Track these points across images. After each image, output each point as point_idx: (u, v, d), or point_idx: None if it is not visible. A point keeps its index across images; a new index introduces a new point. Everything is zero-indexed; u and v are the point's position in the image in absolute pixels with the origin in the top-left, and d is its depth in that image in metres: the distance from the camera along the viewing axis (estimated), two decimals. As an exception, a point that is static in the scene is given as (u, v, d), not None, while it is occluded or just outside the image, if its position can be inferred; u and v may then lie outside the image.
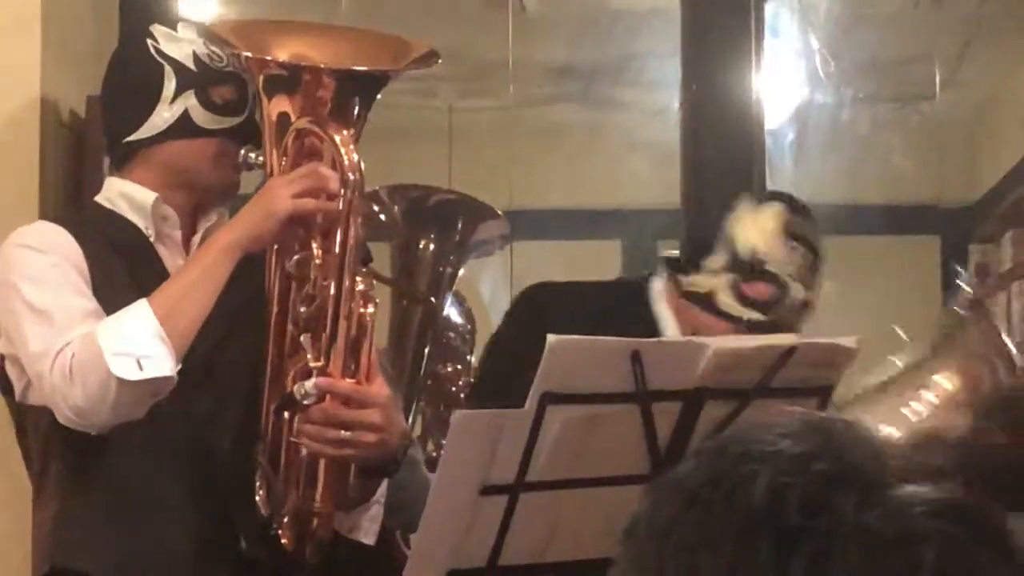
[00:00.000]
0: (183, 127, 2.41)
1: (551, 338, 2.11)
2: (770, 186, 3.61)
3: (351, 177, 2.26)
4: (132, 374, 2.21)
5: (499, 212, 3.60)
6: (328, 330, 2.26)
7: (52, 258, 2.34)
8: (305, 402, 2.24)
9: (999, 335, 2.75)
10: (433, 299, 3.63)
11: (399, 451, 2.35)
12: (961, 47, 4.99)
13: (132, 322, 2.25)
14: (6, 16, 2.97)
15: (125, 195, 2.44)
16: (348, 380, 2.26)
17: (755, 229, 2.74)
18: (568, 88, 5.11)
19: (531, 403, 2.13)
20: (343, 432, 2.25)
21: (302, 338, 2.27)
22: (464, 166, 4.94)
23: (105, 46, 3.19)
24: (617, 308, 2.78)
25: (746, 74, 3.54)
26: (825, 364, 2.31)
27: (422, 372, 3.62)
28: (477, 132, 5.16)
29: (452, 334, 3.77)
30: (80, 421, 2.24)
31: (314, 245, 2.29)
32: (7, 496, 2.81)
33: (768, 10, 3.69)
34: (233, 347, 2.37)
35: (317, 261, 2.28)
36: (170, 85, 2.41)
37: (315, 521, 2.33)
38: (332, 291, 2.26)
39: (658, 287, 2.80)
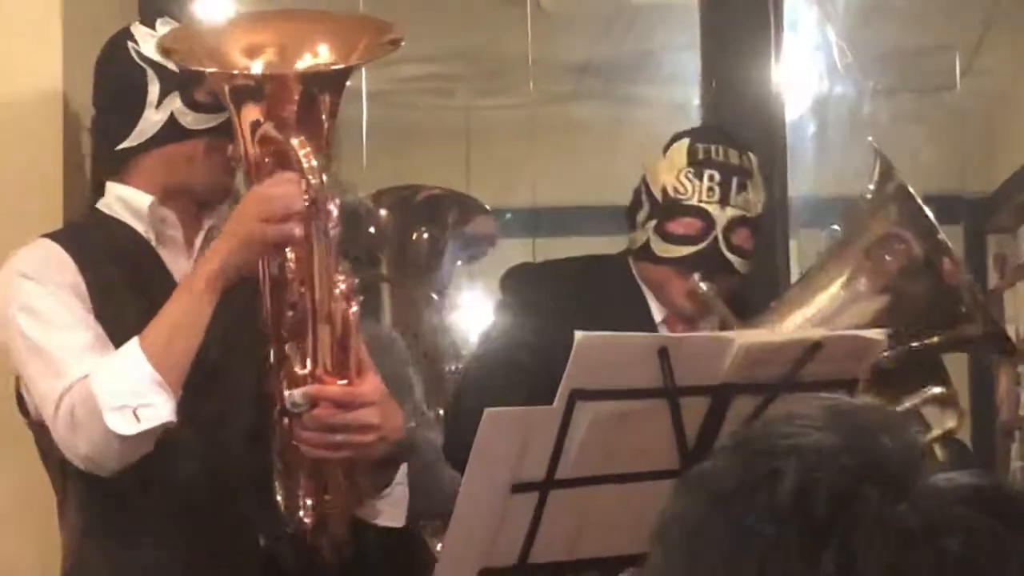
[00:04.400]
0: (171, 131, 2.40)
1: (579, 335, 2.11)
2: (791, 180, 3.62)
3: (311, 180, 2.20)
4: (130, 428, 2.21)
5: (487, 207, 3.64)
6: (311, 335, 2.23)
7: (47, 287, 2.33)
8: (296, 411, 2.23)
9: (912, 209, 2.70)
10: (435, 296, 3.65)
11: (405, 438, 2.34)
12: (979, 37, 4.98)
13: (126, 370, 2.24)
14: (28, 20, 2.97)
15: (122, 200, 2.44)
16: (339, 382, 2.23)
17: (665, 170, 2.78)
18: (588, 85, 5.10)
19: (560, 400, 2.13)
20: (339, 436, 2.23)
21: (286, 347, 2.25)
22: (484, 165, 4.94)
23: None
24: (609, 286, 2.80)
25: (766, 68, 3.54)
26: (852, 357, 2.31)
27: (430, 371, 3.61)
28: (497, 131, 5.16)
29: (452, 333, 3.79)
30: (91, 468, 2.26)
31: (288, 251, 2.26)
32: (33, 511, 2.82)
33: (787, 3, 3.69)
34: (235, 348, 2.36)
35: (292, 266, 2.25)
36: (154, 89, 2.40)
37: (328, 519, 2.33)
38: (310, 296, 2.23)
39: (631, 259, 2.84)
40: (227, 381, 2.37)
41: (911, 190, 2.69)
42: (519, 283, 2.87)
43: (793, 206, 3.76)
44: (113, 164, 2.47)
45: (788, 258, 3.53)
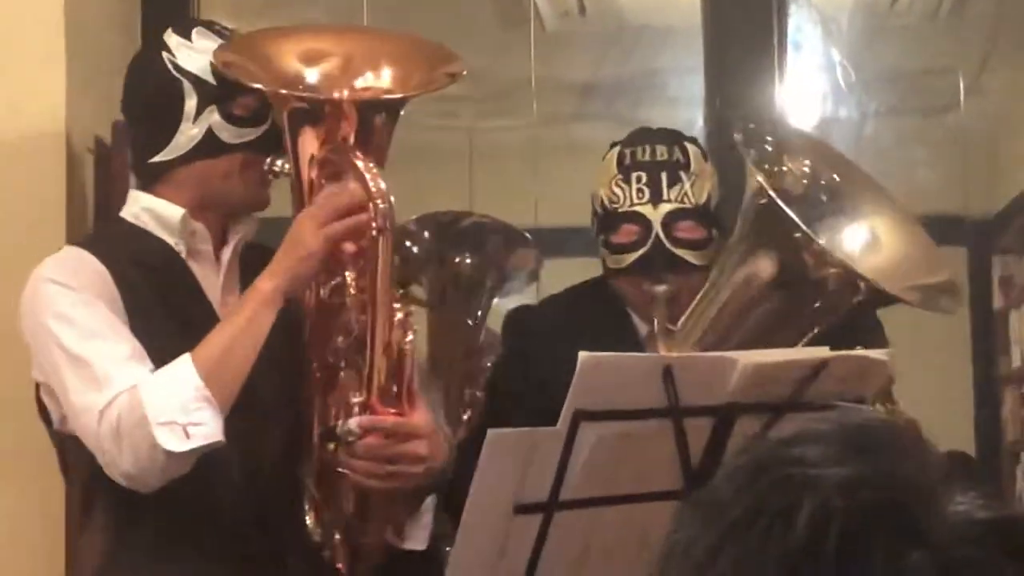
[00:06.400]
0: (208, 145, 2.37)
1: (582, 355, 2.10)
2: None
3: (380, 204, 2.21)
4: (179, 445, 2.17)
5: (529, 239, 3.59)
6: (368, 363, 2.23)
7: (83, 295, 2.28)
8: (349, 440, 2.23)
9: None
10: (471, 322, 3.62)
11: (446, 470, 2.36)
12: (982, 58, 4.97)
13: (176, 385, 2.20)
14: (31, 47, 2.98)
15: (151, 211, 2.40)
16: (390, 412, 2.24)
17: (599, 182, 2.76)
18: (591, 106, 5.10)
19: (564, 421, 2.12)
20: (389, 466, 2.25)
21: (342, 374, 2.26)
22: (487, 186, 4.93)
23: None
24: (593, 310, 2.78)
25: (769, 88, 3.54)
26: (856, 377, 2.30)
27: (464, 397, 3.59)
28: (500, 151, 5.15)
29: (491, 358, 3.75)
30: (131, 484, 2.21)
31: (348, 275, 2.27)
32: (41, 520, 2.81)
33: (790, 24, 3.68)
34: (271, 368, 2.32)
35: (352, 291, 2.26)
36: (191, 102, 2.37)
37: (363, 547, 2.33)
38: (370, 323, 2.23)
39: None
40: (263, 401, 2.33)
41: (772, 194, 2.58)
42: (516, 328, 2.86)
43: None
44: (145, 176, 2.44)
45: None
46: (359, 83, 2.35)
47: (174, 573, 2.31)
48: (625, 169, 2.72)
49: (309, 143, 2.32)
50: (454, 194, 4.85)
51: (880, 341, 2.58)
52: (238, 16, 3.97)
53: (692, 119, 4.12)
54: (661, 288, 2.65)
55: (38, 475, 2.49)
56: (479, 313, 3.59)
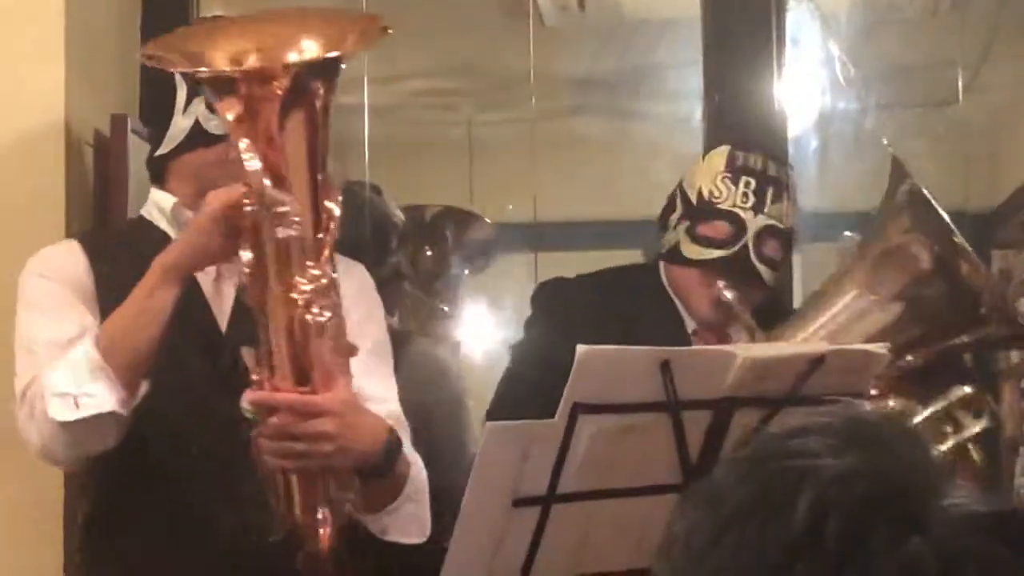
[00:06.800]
0: (197, 136, 2.43)
1: (580, 348, 2.10)
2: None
3: (254, 184, 2.14)
4: (68, 414, 2.21)
5: (484, 218, 3.69)
6: (265, 342, 2.18)
7: (51, 284, 2.36)
8: (247, 416, 2.20)
9: (936, 218, 2.67)
10: (444, 308, 3.68)
11: (381, 451, 2.30)
12: (982, 51, 4.97)
13: (75, 360, 2.25)
14: (30, 41, 2.98)
15: (155, 203, 2.48)
16: (302, 390, 2.18)
17: (702, 173, 2.79)
18: (590, 100, 5.11)
19: (562, 414, 2.12)
20: (296, 445, 2.19)
21: (243, 351, 2.21)
22: (486, 180, 4.94)
23: (128, 65, 3.21)
24: (640, 294, 2.79)
25: (768, 82, 3.53)
26: (855, 371, 2.30)
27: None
28: (499, 145, 5.16)
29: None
30: (46, 459, 2.28)
31: (243, 253, 2.19)
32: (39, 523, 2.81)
33: (789, 18, 3.68)
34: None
35: (246, 270, 2.18)
36: (181, 94, 2.43)
37: (302, 532, 2.28)
38: (262, 300, 2.17)
39: (663, 264, 2.83)
40: (239, 385, 2.32)
41: (925, 193, 2.67)
42: (550, 297, 2.86)
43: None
44: (153, 171, 2.50)
45: (792, 273, 3.52)
46: (289, 58, 2.25)
47: (144, 551, 2.35)
48: (736, 170, 2.76)
49: (235, 123, 2.27)
50: (453, 187, 4.85)
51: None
52: (236, 11, 3.97)
53: (691, 113, 4.12)
54: (733, 293, 2.69)
55: (35, 467, 2.50)
56: (450, 297, 3.68)
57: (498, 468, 2.14)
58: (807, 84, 4.70)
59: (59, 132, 2.96)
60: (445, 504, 3.26)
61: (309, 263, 2.17)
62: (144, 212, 2.51)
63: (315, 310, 2.16)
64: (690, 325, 2.78)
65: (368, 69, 3.97)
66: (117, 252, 2.40)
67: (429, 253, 3.68)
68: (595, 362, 2.12)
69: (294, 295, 2.15)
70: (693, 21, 3.73)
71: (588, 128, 5.14)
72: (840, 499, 0.86)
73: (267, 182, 2.14)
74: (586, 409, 2.12)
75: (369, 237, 3.33)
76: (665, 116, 4.94)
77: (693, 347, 2.35)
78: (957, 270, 2.63)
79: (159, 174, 2.48)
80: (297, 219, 2.15)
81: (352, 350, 2.23)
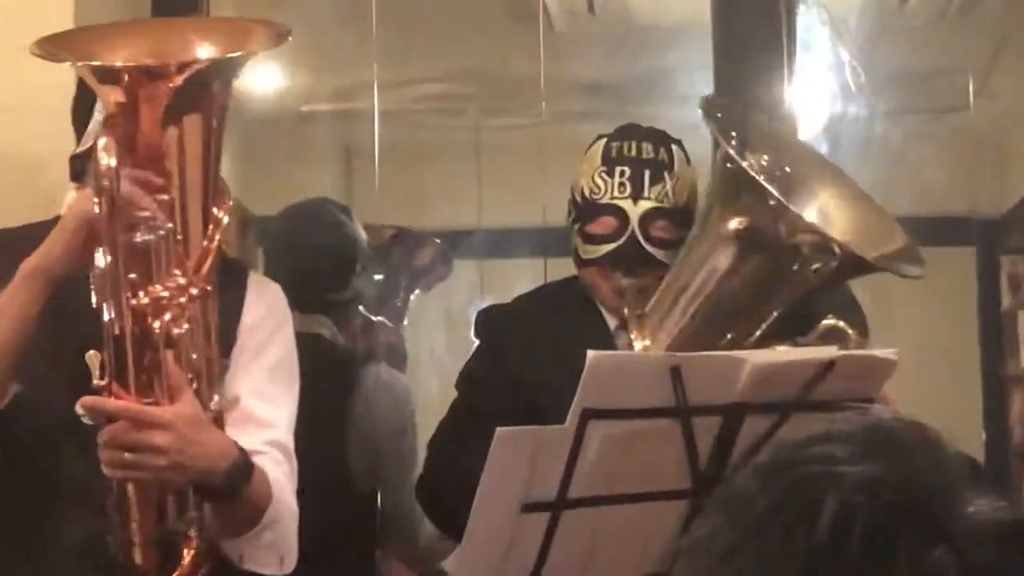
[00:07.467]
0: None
1: (591, 354, 2.10)
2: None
3: (104, 184, 2.07)
4: None
5: (434, 239, 3.74)
6: (106, 347, 2.10)
7: None
8: (83, 420, 2.15)
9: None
10: (389, 324, 3.76)
11: (223, 474, 2.19)
12: (991, 57, 4.97)
13: None
14: (40, 32, 2.98)
15: (68, 203, 2.39)
16: (145, 400, 2.11)
17: (582, 172, 2.81)
18: (599, 105, 5.10)
19: (572, 420, 2.12)
20: (127, 455, 2.12)
21: (87, 355, 2.13)
22: (495, 185, 4.94)
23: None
24: (565, 306, 2.79)
25: (778, 88, 3.53)
26: (865, 376, 2.30)
27: None
28: (508, 150, 5.16)
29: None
30: None
31: (97, 259, 2.12)
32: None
33: (799, 23, 3.68)
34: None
35: (96, 271, 2.11)
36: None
37: (135, 550, 2.21)
38: (104, 307, 2.10)
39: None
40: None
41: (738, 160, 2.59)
42: (487, 327, 2.87)
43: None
44: (72, 170, 2.42)
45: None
46: (168, 54, 2.22)
47: (25, 555, 2.32)
48: (610, 162, 2.77)
49: (113, 119, 2.23)
50: (462, 192, 4.85)
51: (859, 317, 2.62)
52: (246, 12, 3.97)
53: (700, 118, 4.11)
54: (630, 280, 2.69)
55: None
56: (398, 316, 3.76)
57: (507, 474, 2.14)
58: (817, 89, 4.69)
59: (68, 133, 2.96)
60: (392, 527, 3.30)
61: (176, 271, 2.14)
62: (62, 212, 2.39)
63: (167, 318, 2.11)
64: (611, 323, 2.77)
65: (378, 74, 3.98)
66: (18, 252, 2.29)
67: (378, 279, 3.76)
68: (605, 368, 2.12)
69: (146, 301, 2.11)
70: (703, 26, 3.73)
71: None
72: (865, 506, 0.85)
73: (128, 184, 2.09)
74: (596, 415, 2.12)
75: (334, 260, 3.36)
76: (675, 121, 4.93)
77: (703, 353, 2.34)
78: (777, 233, 2.54)
79: (78, 173, 2.41)
80: (165, 224, 2.12)
81: (221, 370, 2.21)
